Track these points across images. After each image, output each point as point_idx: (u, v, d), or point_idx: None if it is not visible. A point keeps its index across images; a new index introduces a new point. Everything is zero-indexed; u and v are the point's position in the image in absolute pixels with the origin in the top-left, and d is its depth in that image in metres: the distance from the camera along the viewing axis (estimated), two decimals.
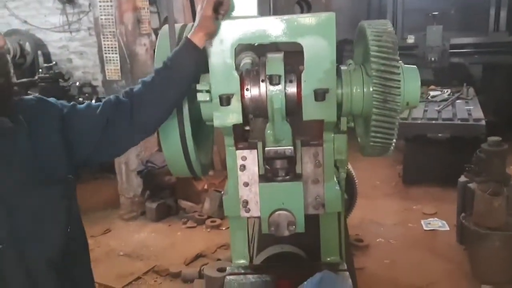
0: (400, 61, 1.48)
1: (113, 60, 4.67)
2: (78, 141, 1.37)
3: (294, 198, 1.48)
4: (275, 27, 1.43)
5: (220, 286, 1.76)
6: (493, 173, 3.62)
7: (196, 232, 4.52)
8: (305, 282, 1.44)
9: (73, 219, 1.37)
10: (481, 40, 7.14)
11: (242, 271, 1.75)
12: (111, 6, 4.52)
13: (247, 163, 1.57)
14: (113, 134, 1.41)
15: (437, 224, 4.39)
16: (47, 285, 1.29)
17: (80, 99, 5.68)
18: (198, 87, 1.47)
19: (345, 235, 1.92)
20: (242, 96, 1.48)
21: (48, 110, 1.36)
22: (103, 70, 4.79)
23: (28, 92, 5.09)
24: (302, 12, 2.13)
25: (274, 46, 1.59)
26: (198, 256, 3.97)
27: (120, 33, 4.58)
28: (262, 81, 1.46)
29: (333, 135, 1.58)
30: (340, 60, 1.53)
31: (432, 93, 5.98)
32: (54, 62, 6.34)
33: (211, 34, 1.42)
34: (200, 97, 1.48)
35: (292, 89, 1.46)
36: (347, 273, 1.67)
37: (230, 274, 1.75)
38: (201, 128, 1.68)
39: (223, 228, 4.44)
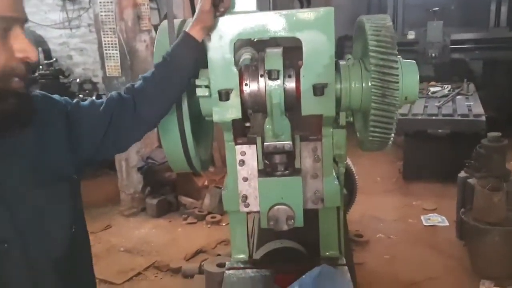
0: (399, 56, 1.49)
1: (113, 56, 4.66)
2: (83, 139, 1.35)
3: (293, 193, 1.48)
4: (274, 22, 1.42)
5: (219, 281, 1.77)
6: (493, 169, 3.64)
7: (197, 228, 4.53)
8: (304, 276, 1.45)
9: (77, 219, 1.37)
10: (482, 36, 7.13)
11: (242, 266, 1.76)
12: (111, 2, 4.52)
13: (246, 158, 1.57)
14: (118, 130, 1.41)
15: (437, 219, 4.39)
16: (50, 285, 1.29)
17: (81, 95, 5.70)
18: (197, 82, 1.48)
19: (345, 230, 1.92)
20: (241, 91, 1.48)
21: (53, 107, 1.33)
22: (103, 67, 4.78)
23: (29, 89, 5.08)
24: (301, 7, 2.12)
25: (274, 42, 1.59)
26: (199, 252, 3.99)
27: (120, 30, 4.57)
28: (261, 76, 1.46)
29: (332, 130, 1.58)
30: (340, 56, 1.53)
31: (432, 89, 5.98)
32: (54, 59, 6.35)
33: (209, 28, 1.42)
34: (199, 92, 1.48)
35: (291, 84, 1.46)
36: (346, 267, 1.67)
37: (230, 268, 1.75)
38: (201, 124, 1.68)
39: (223, 224, 4.45)
